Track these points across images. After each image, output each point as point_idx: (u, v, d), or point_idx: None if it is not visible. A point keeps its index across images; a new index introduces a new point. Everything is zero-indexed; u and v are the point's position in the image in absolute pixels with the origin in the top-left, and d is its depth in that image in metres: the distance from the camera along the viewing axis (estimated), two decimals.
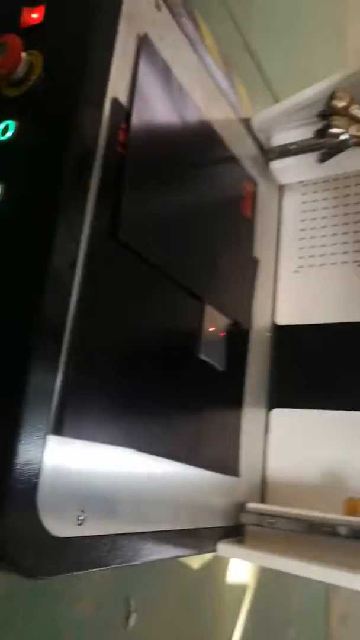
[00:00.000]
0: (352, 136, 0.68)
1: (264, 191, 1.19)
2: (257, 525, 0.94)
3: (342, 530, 0.87)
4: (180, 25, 0.90)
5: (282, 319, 1.20)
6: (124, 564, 0.69)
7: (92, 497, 0.65)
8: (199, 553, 0.87)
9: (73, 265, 0.64)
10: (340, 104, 0.67)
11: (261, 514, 0.94)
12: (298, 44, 2.51)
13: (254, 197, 1.14)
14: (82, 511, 0.62)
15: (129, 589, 1.23)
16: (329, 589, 2.46)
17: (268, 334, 1.18)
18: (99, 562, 0.65)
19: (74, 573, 0.61)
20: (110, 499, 0.68)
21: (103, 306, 0.69)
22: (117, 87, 0.74)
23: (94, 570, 0.64)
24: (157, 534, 0.76)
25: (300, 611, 2.13)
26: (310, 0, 2.72)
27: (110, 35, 0.74)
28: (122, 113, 0.74)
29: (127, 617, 1.21)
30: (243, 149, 1.12)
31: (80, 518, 0.62)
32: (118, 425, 0.69)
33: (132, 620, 1.21)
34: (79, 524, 0.62)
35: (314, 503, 1.01)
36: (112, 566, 0.67)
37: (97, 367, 0.67)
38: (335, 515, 0.89)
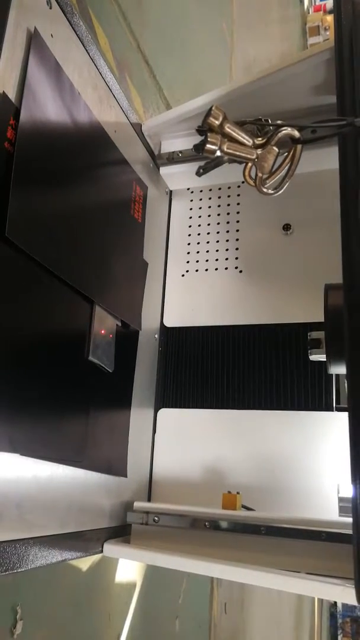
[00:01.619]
0: (225, 153, 0.72)
1: (154, 195, 1.21)
2: (143, 523, 0.96)
3: (222, 524, 0.91)
4: (72, 25, 0.89)
5: (170, 321, 1.24)
6: (7, 572, 0.67)
7: None
8: (86, 555, 0.87)
9: None
10: (215, 121, 0.70)
11: (147, 512, 0.96)
12: (190, 53, 2.58)
13: (144, 201, 1.16)
14: None
15: (15, 597, 1.19)
16: (213, 580, 2.56)
17: (156, 336, 1.21)
18: None
19: None
20: None
21: None
22: (5, 81, 0.71)
23: None
24: (42, 539, 0.75)
25: (186, 602, 2.20)
26: (203, 14, 2.81)
27: None
28: (11, 109, 0.72)
29: (13, 626, 1.17)
30: (134, 153, 1.13)
31: None
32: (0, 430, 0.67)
33: (19, 629, 1.18)
34: None
35: (197, 499, 1.05)
36: None
37: None
38: (214, 510, 0.93)
